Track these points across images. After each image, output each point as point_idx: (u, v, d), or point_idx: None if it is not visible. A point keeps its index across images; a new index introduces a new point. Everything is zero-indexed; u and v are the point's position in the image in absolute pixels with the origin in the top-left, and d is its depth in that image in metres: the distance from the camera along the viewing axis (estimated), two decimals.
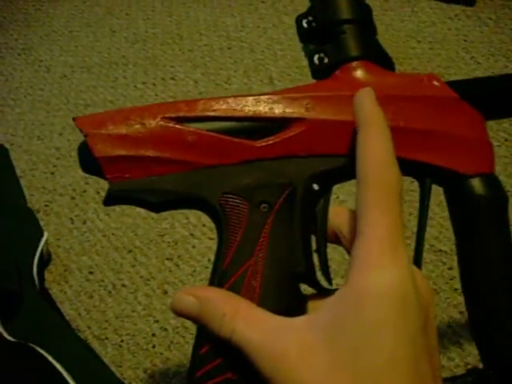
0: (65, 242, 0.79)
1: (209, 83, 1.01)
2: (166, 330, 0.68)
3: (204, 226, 0.78)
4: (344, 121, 0.34)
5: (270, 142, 0.34)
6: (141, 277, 0.74)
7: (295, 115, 0.34)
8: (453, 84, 0.37)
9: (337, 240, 0.36)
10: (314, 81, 0.39)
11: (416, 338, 0.28)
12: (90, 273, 0.75)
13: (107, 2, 1.28)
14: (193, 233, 0.77)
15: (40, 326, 0.41)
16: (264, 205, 0.33)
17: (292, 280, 0.33)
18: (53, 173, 0.90)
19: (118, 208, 0.82)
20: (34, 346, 0.37)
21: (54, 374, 0.35)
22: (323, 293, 0.33)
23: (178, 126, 0.34)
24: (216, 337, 0.30)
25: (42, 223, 0.81)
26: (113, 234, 0.79)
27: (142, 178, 0.34)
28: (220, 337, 0.30)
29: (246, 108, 0.35)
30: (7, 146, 0.94)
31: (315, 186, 0.34)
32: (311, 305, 0.33)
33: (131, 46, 1.13)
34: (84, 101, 1.02)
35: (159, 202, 0.35)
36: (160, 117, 0.34)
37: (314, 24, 0.38)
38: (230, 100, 0.35)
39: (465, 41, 1.01)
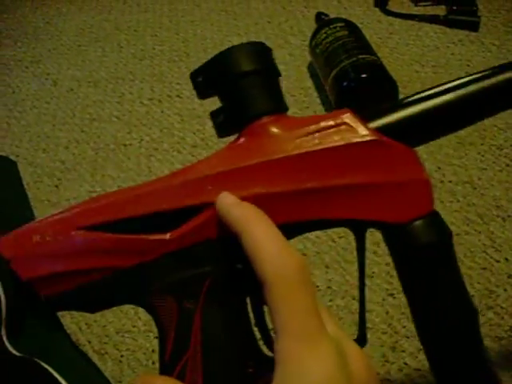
0: None
1: (214, 102, 1.01)
2: None
3: None
4: (253, 195, 0.33)
5: (181, 233, 0.33)
6: None
7: (199, 202, 0.33)
8: (368, 117, 0.34)
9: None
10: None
11: None
12: None
13: (116, 17, 1.30)
14: None
15: (45, 341, 0.42)
16: (189, 300, 0.33)
17: (233, 364, 0.33)
18: (57, 186, 0.90)
19: None
20: (39, 361, 0.38)
21: None
22: (269, 363, 0.30)
23: (91, 236, 0.34)
24: None
25: None
26: None
27: (71, 289, 0.35)
28: None
29: (149, 205, 0.33)
30: (12, 157, 0.95)
31: (239, 265, 0.33)
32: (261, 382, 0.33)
33: (138, 62, 1.14)
34: (90, 115, 1.03)
35: (93, 307, 0.37)
36: (73, 228, 0.34)
37: (211, 79, 0.36)
38: (140, 194, 0.34)
39: (468, 66, 1.03)
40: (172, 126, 0.98)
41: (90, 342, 0.70)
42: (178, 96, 1.04)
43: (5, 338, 0.43)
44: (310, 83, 1.02)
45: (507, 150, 0.87)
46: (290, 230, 0.32)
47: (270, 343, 0.34)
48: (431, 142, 0.86)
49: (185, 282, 0.33)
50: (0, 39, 1.28)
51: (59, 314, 0.72)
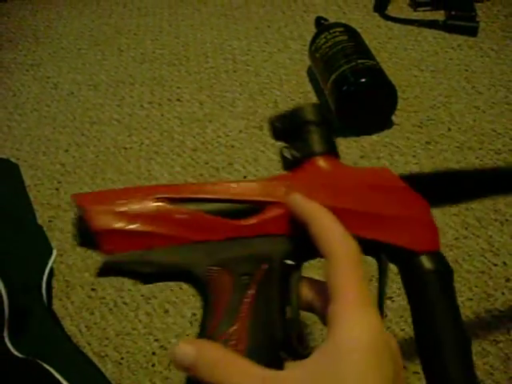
0: (67, 258, 0.80)
1: (214, 105, 1.02)
2: (166, 349, 0.69)
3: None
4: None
5: (251, 223, 0.39)
6: (142, 295, 0.74)
7: (273, 200, 0.40)
8: (403, 176, 0.43)
9: (310, 309, 0.41)
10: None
11: None
12: (92, 290, 0.76)
13: (116, 21, 1.30)
14: None
15: (47, 343, 0.42)
16: (245, 276, 0.38)
17: (271, 346, 0.37)
18: (57, 189, 0.91)
19: None
20: (41, 362, 0.38)
21: None
22: (299, 359, 0.35)
23: (174, 206, 0.38)
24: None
25: None
26: None
27: (134, 250, 0.38)
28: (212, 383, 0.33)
29: (231, 191, 0.40)
30: (13, 160, 0.95)
31: (289, 261, 0.39)
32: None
33: (138, 66, 1.15)
34: (90, 118, 1.04)
35: (150, 273, 0.38)
36: (154, 197, 0.38)
37: (285, 125, 0.45)
38: (218, 185, 0.40)
39: (466, 70, 1.03)
40: (172, 130, 0.98)
41: (89, 344, 0.70)
42: (177, 100, 1.05)
43: (7, 340, 0.43)
44: (309, 87, 1.03)
45: (505, 155, 0.87)
46: None
47: (301, 340, 0.38)
48: (431, 146, 0.87)
49: (245, 261, 0.38)
50: (0, 42, 1.29)
51: (59, 315, 0.73)
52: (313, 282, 0.41)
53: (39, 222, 0.85)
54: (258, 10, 1.27)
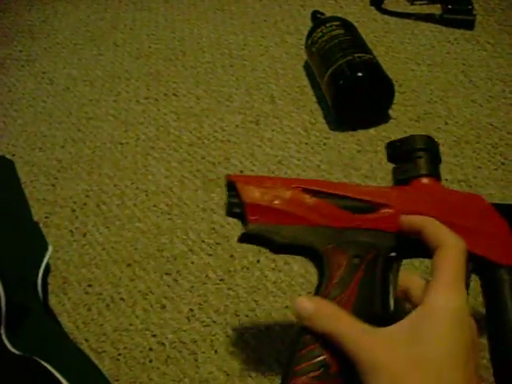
0: (64, 254, 0.80)
1: (210, 100, 1.02)
2: (163, 344, 0.69)
3: (203, 242, 0.78)
4: (422, 212, 0.48)
5: (367, 218, 0.49)
6: (139, 291, 0.74)
7: (387, 202, 0.49)
8: (493, 204, 0.52)
9: (404, 297, 0.49)
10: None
11: (467, 346, 0.40)
12: (89, 286, 0.76)
13: (112, 16, 1.30)
14: (192, 249, 0.78)
15: (43, 339, 0.42)
16: (356, 258, 0.47)
17: (370, 317, 0.44)
18: (54, 185, 0.90)
19: (117, 222, 0.83)
20: (38, 359, 0.38)
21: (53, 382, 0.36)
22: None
23: (307, 195, 0.49)
24: (320, 333, 0.43)
25: None
26: (112, 248, 0.80)
27: (273, 224, 0.48)
28: (325, 332, 0.42)
29: (352, 190, 0.50)
30: (8, 156, 0.95)
31: (393, 254, 0.48)
32: None
33: (134, 61, 1.14)
34: (86, 114, 1.03)
35: (282, 243, 0.48)
36: (296, 186, 0.50)
37: (399, 150, 0.55)
38: (341, 184, 0.51)
39: (463, 64, 1.03)
40: (168, 125, 0.98)
41: (87, 341, 0.70)
42: (174, 94, 1.04)
43: (4, 337, 0.43)
44: (306, 82, 1.03)
45: (502, 149, 0.87)
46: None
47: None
48: None
49: (358, 245, 0.48)
50: None
51: (56, 312, 0.72)
52: (410, 275, 0.50)
53: (35, 218, 0.85)
54: (254, 4, 1.27)
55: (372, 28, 1.13)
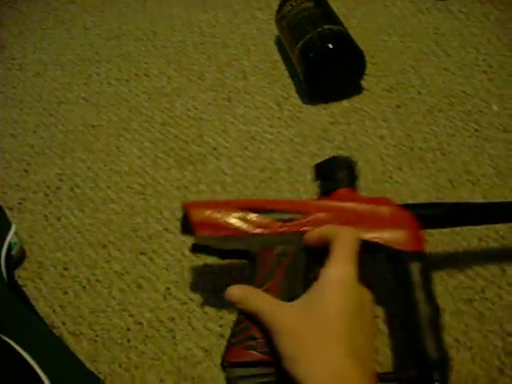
0: (39, 238, 0.79)
1: (182, 79, 1.01)
2: (140, 323, 0.68)
3: (178, 220, 0.77)
4: (334, 217, 0.61)
5: (290, 225, 0.60)
6: (115, 272, 0.74)
7: (306, 212, 0.61)
8: (401, 204, 0.63)
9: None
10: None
11: (354, 307, 0.49)
12: (65, 269, 0.75)
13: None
14: (167, 227, 0.77)
15: (6, 316, 0.41)
16: (281, 256, 0.58)
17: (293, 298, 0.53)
18: (26, 170, 0.89)
19: (91, 204, 0.82)
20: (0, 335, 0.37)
21: (19, 362, 0.35)
22: None
23: (243, 212, 0.61)
24: (249, 312, 0.53)
25: (15, 221, 0.81)
26: (87, 230, 0.79)
27: (215, 236, 0.60)
28: (251, 310, 0.52)
29: (281, 206, 0.62)
30: None
31: (310, 254, 0.58)
32: None
33: (105, 43, 1.13)
34: (57, 98, 1.02)
35: (224, 251, 0.61)
36: (235, 206, 0.62)
37: (323, 169, 0.67)
38: (275, 201, 0.63)
39: (435, 33, 1.03)
40: (140, 105, 0.97)
41: (64, 324, 0.69)
42: (145, 75, 1.03)
43: None
44: (278, 57, 1.02)
45: (476, 116, 0.87)
46: None
47: None
48: (401, 110, 0.86)
49: (283, 246, 0.59)
50: None
51: (32, 297, 0.72)
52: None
53: (9, 204, 0.84)
54: None
55: (343, 1, 1.12)
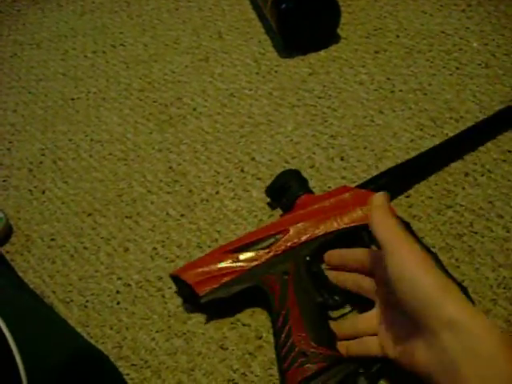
0: (25, 213, 0.79)
1: (158, 45, 1.00)
2: (129, 285, 0.68)
3: (161, 181, 0.77)
4: (309, 221, 0.63)
5: (277, 245, 0.62)
6: (101, 238, 0.73)
7: (284, 228, 0.63)
8: (359, 186, 0.67)
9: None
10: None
11: None
12: (52, 240, 0.75)
13: None
14: (150, 189, 0.77)
15: None
16: (284, 275, 0.60)
17: (315, 308, 0.57)
18: (9, 149, 0.89)
19: (75, 175, 0.82)
20: None
21: None
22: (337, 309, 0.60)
23: (230, 255, 0.63)
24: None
25: (0, 198, 0.81)
26: (72, 200, 0.79)
27: (216, 286, 0.61)
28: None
29: (261, 234, 0.64)
30: None
31: (307, 258, 0.61)
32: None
33: (79, 18, 1.12)
34: (36, 76, 1.01)
35: (231, 295, 0.61)
36: (220, 253, 0.63)
37: (275, 188, 0.69)
38: (253, 233, 0.64)
39: None
40: (118, 75, 0.96)
41: (54, 293, 0.69)
42: (121, 45, 1.02)
43: None
44: (253, 15, 1.00)
45: (456, 54, 0.86)
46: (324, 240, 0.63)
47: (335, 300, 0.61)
48: (380, 55, 0.85)
49: (281, 267, 0.61)
50: None
51: (21, 269, 0.72)
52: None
53: None
54: None
55: None
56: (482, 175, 0.70)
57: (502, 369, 0.40)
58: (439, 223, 0.66)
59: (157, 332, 0.63)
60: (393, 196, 0.67)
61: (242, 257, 0.62)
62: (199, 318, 0.63)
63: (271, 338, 0.59)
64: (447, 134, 0.75)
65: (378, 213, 0.52)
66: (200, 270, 0.62)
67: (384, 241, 0.50)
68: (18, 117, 0.94)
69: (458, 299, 0.44)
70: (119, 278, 0.69)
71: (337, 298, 0.60)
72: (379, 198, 0.54)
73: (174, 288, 0.66)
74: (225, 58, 0.93)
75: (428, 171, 0.71)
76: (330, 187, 0.72)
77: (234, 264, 0.62)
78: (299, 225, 0.63)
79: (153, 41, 1.01)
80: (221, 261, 0.62)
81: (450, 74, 0.83)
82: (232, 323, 0.62)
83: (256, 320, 0.62)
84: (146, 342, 0.63)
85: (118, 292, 0.68)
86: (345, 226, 0.62)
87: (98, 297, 0.68)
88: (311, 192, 0.68)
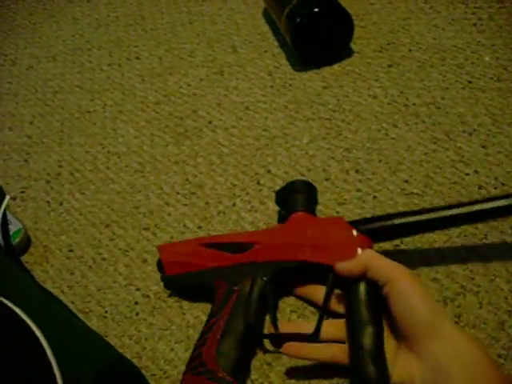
0: (43, 224, 0.80)
1: (173, 58, 1.01)
2: (148, 296, 0.69)
3: (178, 193, 0.78)
4: (283, 242, 0.63)
5: (244, 255, 0.63)
6: (119, 249, 0.74)
7: (257, 240, 0.64)
8: (351, 222, 0.62)
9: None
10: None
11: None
12: (70, 251, 0.76)
13: None
14: (167, 201, 0.78)
15: (3, 280, 0.42)
16: (234, 285, 0.61)
17: (244, 331, 0.58)
18: (26, 160, 0.90)
19: (92, 186, 0.83)
20: None
21: (14, 319, 0.36)
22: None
23: (204, 248, 0.65)
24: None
25: (18, 209, 0.82)
26: (89, 212, 0.80)
27: (181, 272, 0.66)
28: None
29: (235, 238, 0.65)
30: None
31: (264, 278, 0.61)
32: None
33: (94, 31, 1.13)
34: (52, 88, 1.03)
35: (189, 284, 0.66)
36: (197, 243, 0.66)
37: (282, 194, 0.69)
38: (230, 235, 0.66)
39: None
40: (134, 87, 0.97)
41: (73, 303, 0.70)
42: (136, 58, 1.03)
43: None
44: (266, 28, 1.02)
45: (468, 68, 0.86)
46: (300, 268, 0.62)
47: (275, 325, 0.60)
48: (393, 69, 0.86)
49: (236, 277, 0.62)
50: None
51: (40, 280, 0.72)
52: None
53: (11, 194, 0.85)
54: None
55: None
56: (495, 188, 0.71)
57: (483, 370, 0.49)
58: (454, 235, 0.67)
59: (176, 342, 0.64)
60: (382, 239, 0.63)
61: (212, 254, 0.64)
62: None
63: None
64: (460, 147, 0.76)
65: (375, 254, 0.57)
66: (176, 252, 0.66)
67: (385, 271, 0.55)
68: (35, 129, 0.95)
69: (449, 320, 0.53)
70: (137, 289, 0.70)
71: (271, 330, 0.60)
72: (370, 252, 0.58)
73: (192, 299, 0.67)
74: (239, 71, 0.94)
75: (421, 231, 0.64)
76: (345, 199, 0.73)
77: (203, 258, 0.64)
78: (272, 242, 0.63)
79: (168, 54, 1.02)
80: (194, 252, 0.65)
81: (463, 88, 0.83)
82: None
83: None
84: (165, 353, 0.63)
85: (136, 303, 0.69)
86: (314, 260, 0.60)
87: (117, 307, 0.69)
88: (311, 211, 0.67)
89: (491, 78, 0.84)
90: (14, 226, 0.78)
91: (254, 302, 0.59)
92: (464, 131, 0.78)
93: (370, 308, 0.55)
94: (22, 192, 0.85)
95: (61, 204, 0.82)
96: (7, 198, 0.58)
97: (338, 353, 0.56)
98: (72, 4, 1.23)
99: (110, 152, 0.87)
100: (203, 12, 1.09)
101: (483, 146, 0.76)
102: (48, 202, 0.83)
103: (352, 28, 0.89)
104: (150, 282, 0.70)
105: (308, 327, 0.58)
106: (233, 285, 0.61)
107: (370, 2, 1.02)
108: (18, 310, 0.37)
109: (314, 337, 0.57)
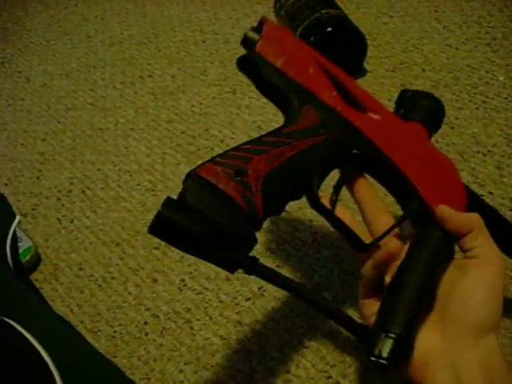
0: (53, 242, 0.80)
1: (186, 76, 1.01)
2: (157, 316, 0.68)
3: None
4: (398, 137, 0.52)
5: (354, 112, 0.50)
6: (129, 268, 0.74)
7: (378, 110, 0.51)
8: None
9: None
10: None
11: None
12: (80, 269, 0.76)
13: (82, 9, 1.29)
14: None
15: (13, 303, 0.42)
16: (321, 128, 0.48)
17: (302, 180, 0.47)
18: (38, 177, 0.90)
19: (103, 204, 0.83)
20: (5, 319, 0.37)
21: (23, 344, 0.35)
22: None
23: (315, 64, 0.54)
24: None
25: (29, 227, 0.82)
26: (100, 230, 0.79)
27: (272, 63, 0.51)
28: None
29: (355, 87, 0.53)
30: None
31: (355, 151, 0.49)
32: None
33: (108, 49, 1.14)
34: (65, 105, 1.03)
35: (269, 83, 0.51)
36: (312, 55, 0.55)
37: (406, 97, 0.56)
38: (351, 81, 0.53)
39: (436, 11, 1.02)
40: (146, 106, 0.98)
41: (82, 322, 0.70)
42: (149, 76, 1.04)
43: None
44: None
45: (482, 88, 0.86)
46: None
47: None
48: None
49: (329, 123, 0.48)
50: None
51: (49, 298, 0.72)
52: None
53: (22, 211, 0.85)
54: None
55: None
56: (511, 210, 0.70)
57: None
58: None
59: (185, 364, 0.63)
60: None
61: (321, 78, 0.53)
62: (227, 350, 0.63)
63: (300, 372, 0.59)
64: (475, 169, 0.75)
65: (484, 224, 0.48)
66: (283, 38, 0.53)
67: (488, 248, 0.47)
68: (47, 146, 0.96)
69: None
70: (147, 309, 0.69)
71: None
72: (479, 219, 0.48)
73: (202, 320, 0.66)
74: (252, 90, 0.94)
75: None
76: None
77: (308, 76, 0.52)
78: (389, 127, 0.52)
79: (180, 72, 1.02)
80: (305, 60, 0.54)
81: (477, 108, 0.83)
82: (260, 356, 0.62)
83: (284, 354, 0.62)
84: (174, 374, 0.63)
85: (145, 323, 0.68)
86: (416, 183, 0.50)
87: (126, 327, 0.68)
88: (428, 131, 0.56)
89: (506, 98, 0.83)
90: (24, 244, 0.77)
91: (317, 166, 0.47)
92: (478, 152, 0.77)
93: (433, 264, 0.47)
94: (33, 209, 0.85)
95: (71, 222, 0.82)
96: (17, 218, 0.58)
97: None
98: (86, 22, 1.24)
99: (122, 170, 0.87)
100: (216, 31, 1.10)
101: (498, 167, 0.75)
102: (59, 219, 0.83)
103: (365, 47, 0.89)
104: (160, 302, 0.69)
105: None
106: (321, 127, 0.48)
107: (383, 22, 1.02)
108: (27, 335, 0.37)
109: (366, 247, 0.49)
